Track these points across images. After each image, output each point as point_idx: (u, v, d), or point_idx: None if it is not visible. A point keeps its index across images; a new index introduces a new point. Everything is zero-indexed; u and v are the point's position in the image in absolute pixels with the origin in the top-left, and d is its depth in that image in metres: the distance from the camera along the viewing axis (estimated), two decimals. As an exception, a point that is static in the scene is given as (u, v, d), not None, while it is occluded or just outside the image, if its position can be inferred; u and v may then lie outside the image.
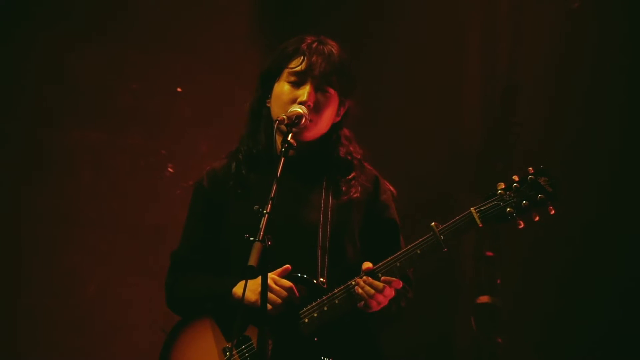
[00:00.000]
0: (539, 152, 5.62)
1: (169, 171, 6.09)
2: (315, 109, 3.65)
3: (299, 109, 3.58)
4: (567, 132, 5.64)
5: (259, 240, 3.14)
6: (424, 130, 5.91)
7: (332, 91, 3.70)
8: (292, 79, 3.69)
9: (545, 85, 5.75)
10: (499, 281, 5.75)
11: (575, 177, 5.35)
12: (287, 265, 3.55)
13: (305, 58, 3.68)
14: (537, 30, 5.82)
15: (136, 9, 5.95)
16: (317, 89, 3.67)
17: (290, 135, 3.48)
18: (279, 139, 3.59)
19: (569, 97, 5.66)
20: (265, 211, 3.21)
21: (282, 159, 3.39)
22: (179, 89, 6.10)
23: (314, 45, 3.71)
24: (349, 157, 3.80)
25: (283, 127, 3.54)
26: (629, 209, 5.46)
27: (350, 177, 3.76)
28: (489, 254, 5.79)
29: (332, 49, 3.72)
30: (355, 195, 3.74)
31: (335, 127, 3.78)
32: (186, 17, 6.04)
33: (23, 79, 5.82)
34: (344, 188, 3.74)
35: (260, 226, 3.17)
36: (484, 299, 5.74)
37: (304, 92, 3.64)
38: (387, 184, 3.88)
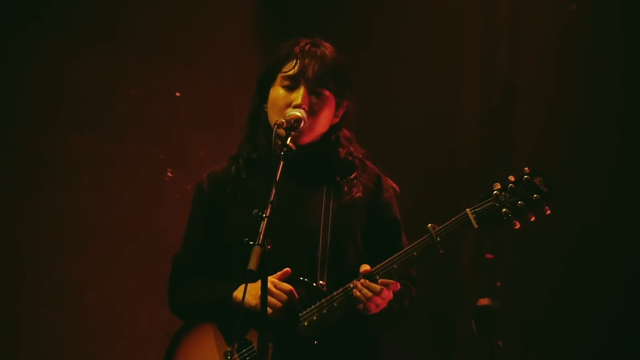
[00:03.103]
0: (538, 152, 5.62)
1: (169, 176, 6.10)
2: (311, 112, 3.65)
3: (297, 113, 3.58)
4: (566, 134, 5.63)
5: (258, 244, 3.14)
6: (422, 133, 5.92)
7: (327, 93, 3.70)
8: (286, 83, 3.70)
9: (544, 87, 5.75)
10: (499, 284, 5.75)
11: (574, 179, 5.35)
12: (287, 269, 3.56)
13: (298, 61, 3.68)
14: (535, 33, 5.82)
15: (135, 16, 5.95)
16: (311, 91, 3.67)
17: (289, 139, 3.49)
18: (278, 143, 3.58)
19: (568, 98, 5.66)
20: (264, 215, 3.21)
21: (282, 162, 3.40)
22: (177, 94, 6.11)
23: (307, 47, 3.72)
24: (350, 158, 3.80)
25: (282, 131, 3.54)
26: (628, 211, 5.45)
27: (351, 177, 3.77)
28: (489, 256, 5.79)
29: (326, 51, 3.72)
30: (357, 195, 3.74)
31: (334, 129, 3.79)
32: (185, 23, 6.04)
33: (23, 86, 5.82)
34: (345, 188, 3.74)
35: (260, 230, 3.17)
36: (484, 301, 5.74)
37: (298, 95, 3.65)
38: (390, 181, 3.88)
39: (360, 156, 3.84)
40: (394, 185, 3.88)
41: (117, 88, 6.01)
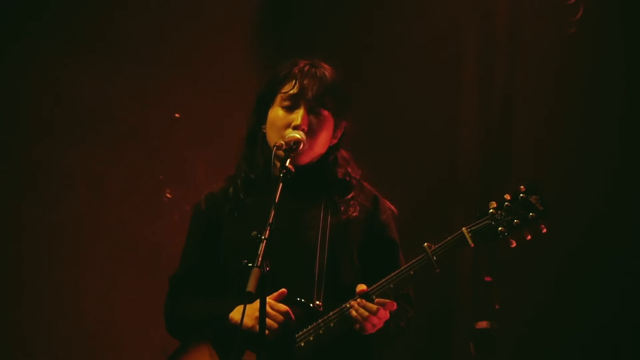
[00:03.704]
0: (537, 163, 5.63)
1: (167, 196, 6.10)
2: (310, 132, 3.66)
3: (297, 135, 3.60)
4: (565, 144, 5.64)
5: (257, 266, 3.15)
6: (421, 146, 5.92)
7: (325, 113, 3.71)
8: (286, 103, 3.71)
9: (543, 98, 5.76)
10: (497, 306, 5.73)
11: (573, 192, 5.36)
12: (283, 289, 3.55)
13: (298, 81, 3.69)
14: (533, 44, 5.83)
15: (135, 30, 5.98)
16: (311, 111, 3.69)
17: (288, 160, 3.50)
18: (277, 165, 3.59)
19: (566, 109, 5.67)
20: (263, 237, 3.21)
21: (280, 184, 3.41)
22: (177, 115, 6.13)
23: (306, 68, 3.73)
24: (347, 178, 3.80)
25: (281, 152, 3.56)
26: (629, 226, 5.44)
27: (348, 197, 3.77)
28: (488, 279, 5.78)
29: (325, 72, 3.74)
30: (354, 215, 3.74)
31: (332, 149, 3.80)
32: (184, 39, 6.08)
33: (22, 97, 5.85)
34: (342, 208, 3.74)
35: (259, 252, 3.18)
36: (482, 324, 5.72)
37: (298, 116, 3.66)
38: (387, 202, 3.87)
39: (358, 177, 3.85)
40: (392, 206, 3.88)
41: (114, 99, 6.04)
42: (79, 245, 5.90)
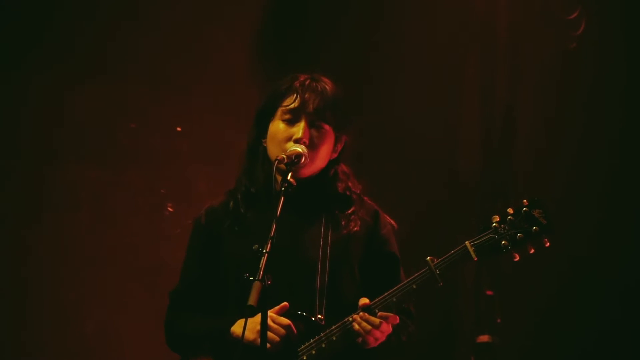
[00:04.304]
0: (538, 179, 5.63)
1: (169, 210, 6.10)
2: (311, 145, 3.67)
3: (298, 149, 3.60)
4: (566, 152, 5.65)
5: (258, 280, 3.15)
6: (421, 159, 5.93)
7: (326, 127, 3.72)
8: (287, 117, 3.71)
9: (545, 105, 5.77)
10: (499, 320, 5.73)
11: (574, 207, 5.36)
12: (285, 303, 3.54)
13: (299, 95, 3.70)
14: (534, 61, 5.85)
15: (135, 47, 5.98)
16: (312, 125, 3.69)
17: (289, 174, 3.52)
18: (278, 178, 3.61)
19: (567, 125, 5.68)
20: (265, 250, 3.22)
21: (282, 198, 3.41)
22: (178, 129, 6.13)
23: (307, 82, 3.74)
24: (348, 193, 3.80)
25: (282, 166, 3.57)
26: (629, 241, 5.45)
27: (349, 211, 3.77)
28: (489, 292, 5.78)
29: (326, 86, 3.75)
30: (354, 229, 3.74)
31: (332, 163, 3.80)
32: (185, 55, 6.06)
33: (23, 117, 5.84)
34: (343, 222, 3.74)
35: (260, 265, 3.18)
36: (484, 338, 5.72)
37: (299, 129, 3.67)
38: (388, 217, 3.87)
39: (358, 191, 3.85)
40: (392, 221, 3.88)
41: (117, 119, 6.03)
42: (81, 266, 5.88)
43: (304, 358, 3.54)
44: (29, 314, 5.81)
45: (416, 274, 3.51)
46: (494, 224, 3.47)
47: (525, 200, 3.49)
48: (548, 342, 5.55)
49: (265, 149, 3.78)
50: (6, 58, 5.76)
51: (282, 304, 3.54)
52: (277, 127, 3.72)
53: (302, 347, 3.55)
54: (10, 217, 5.80)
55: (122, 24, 5.98)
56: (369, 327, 3.47)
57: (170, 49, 6.05)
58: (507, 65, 5.95)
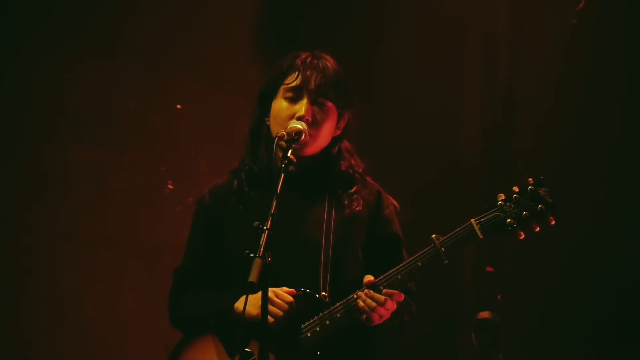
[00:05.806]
0: (538, 163, 5.65)
1: (169, 188, 6.10)
2: (314, 123, 3.67)
3: (298, 125, 3.60)
4: (566, 143, 5.66)
5: (259, 257, 3.15)
6: (423, 144, 5.94)
7: (329, 104, 3.72)
8: (289, 94, 3.71)
9: (544, 98, 5.78)
10: (499, 297, 5.75)
11: (573, 190, 5.37)
12: (291, 290, 3.56)
13: (300, 73, 3.71)
14: (535, 45, 5.85)
15: (135, 27, 5.97)
16: (314, 102, 3.69)
17: (290, 151, 3.51)
18: (279, 156, 3.61)
19: (567, 109, 5.69)
20: (265, 227, 3.22)
21: (282, 175, 3.41)
22: (178, 106, 6.13)
23: (308, 60, 3.75)
24: (351, 171, 3.81)
25: (283, 143, 3.57)
26: (630, 222, 5.46)
27: (352, 191, 3.77)
28: (489, 269, 5.79)
29: (327, 63, 3.75)
30: (357, 209, 3.74)
31: (335, 141, 3.80)
32: (186, 35, 6.06)
33: (25, 98, 5.84)
34: (346, 202, 3.74)
35: (261, 242, 3.18)
36: (484, 314, 5.74)
37: (302, 106, 3.67)
38: (390, 198, 3.88)
39: (361, 170, 3.85)
40: (394, 202, 3.89)
41: (118, 99, 6.03)
42: (82, 247, 5.90)
43: (308, 335, 3.56)
44: (30, 294, 5.82)
45: (421, 252, 3.51)
46: (500, 202, 3.47)
47: (530, 179, 3.48)
48: (550, 320, 5.58)
49: (268, 127, 3.78)
50: (8, 39, 5.74)
51: (290, 290, 3.55)
52: (280, 105, 3.72)
53: (306, 324, 3.56)
54: (10, 197, 5.79)
55: (122, 5, 5.97)
56: (373, 304, 3.48)
57: (171, 28, 6.04)
58: (508, 51, 5.96)
